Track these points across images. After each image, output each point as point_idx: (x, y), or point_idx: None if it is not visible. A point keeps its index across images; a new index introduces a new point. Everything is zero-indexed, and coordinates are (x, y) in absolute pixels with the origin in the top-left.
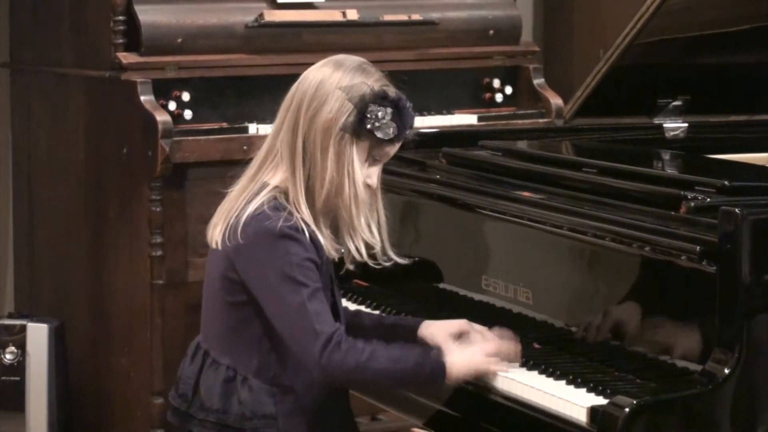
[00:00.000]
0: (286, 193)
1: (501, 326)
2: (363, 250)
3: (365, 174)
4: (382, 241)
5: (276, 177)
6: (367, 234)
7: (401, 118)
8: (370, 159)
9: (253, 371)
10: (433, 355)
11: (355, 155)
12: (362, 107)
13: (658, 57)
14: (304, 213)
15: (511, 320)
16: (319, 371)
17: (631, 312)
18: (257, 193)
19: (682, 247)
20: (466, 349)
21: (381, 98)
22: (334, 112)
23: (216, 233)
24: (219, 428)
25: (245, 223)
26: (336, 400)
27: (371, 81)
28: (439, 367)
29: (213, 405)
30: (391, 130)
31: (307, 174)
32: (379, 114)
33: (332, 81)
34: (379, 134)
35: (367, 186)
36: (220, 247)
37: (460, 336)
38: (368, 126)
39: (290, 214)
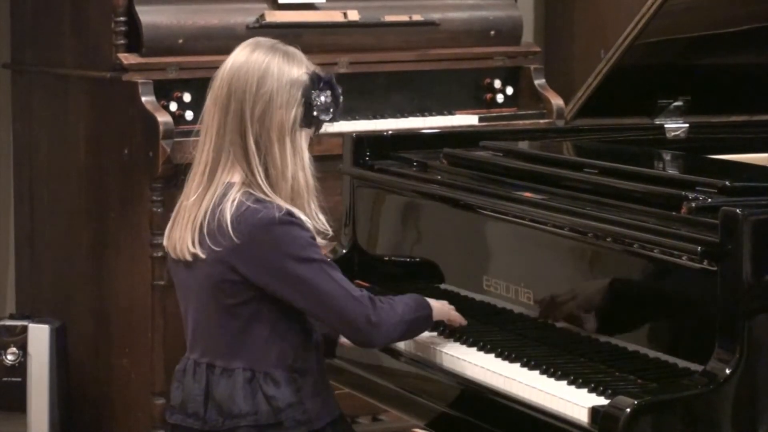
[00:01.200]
0: (253, 188)
1: (502, 327)
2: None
3: (309, 158)
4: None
5: (236, 176)
6: (320, 221)
7: (336, 96)
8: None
9: (273, 363)
10: (420, 298)
11: (304, 143)
12: (308, 96)
13: (659, 57)
14: (280, 203)
15: (512, 320)
16: (373, 333)
17: (632, 312)
18: (225, 194)
19: (683, 247)
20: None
21: (318, 82)
22: (284, 107)
23: (187, 245)
24: (255, 430)
25: (234, 221)
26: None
27: (304, 67)
28: (429, 309)
29: (242, 410)
30: (332, 109)
31: (264, 169)
32: (322, 98)
33: (271, 75)
34: (324, 117)
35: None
36: (202, 255)
37: None
38: (315, 113)
39: (276, 204)
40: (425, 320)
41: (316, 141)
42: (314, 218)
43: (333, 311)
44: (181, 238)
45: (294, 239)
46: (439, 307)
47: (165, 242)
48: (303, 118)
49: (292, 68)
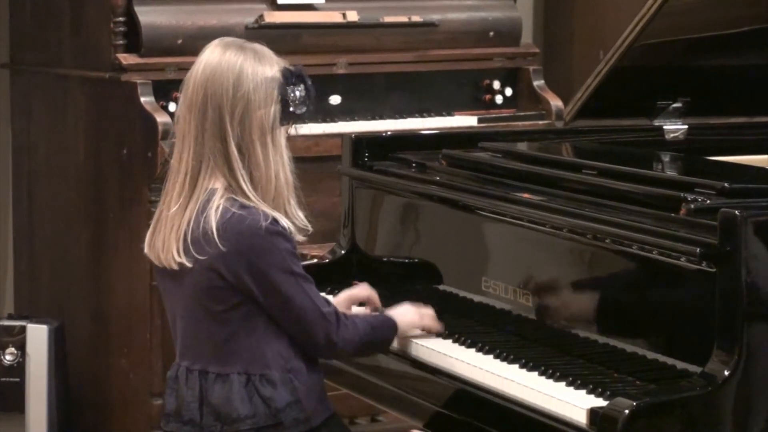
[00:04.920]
0: (237, 194)
1: (501, 328)
2: (299, 234)
3: (288, 155)
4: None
5: (218, 182)
6: (299, 218)
7: (308, 87)
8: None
9: (268, 365)
10: (386, 318)
11: (283, 140)
12: (284, 93)
13: (658, 59)
14: (264, 207)
15: (511, 322)
16: (333, 350)
17: (631, 314)
18: (208, 201)
19: (682, 248)
20: (402, 308)
21: (291, 77)
22: (263, 106)
23: (173, 255)
24: None
25: (220, 229)
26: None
27: (275, 64)
28: (394, 325)
29: (240, 414)
30: (307, 102)
31: (248, 172)
32: (297, 93)
33: (246, 77)
34: (300, 111)
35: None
36: (188, 264)
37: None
38: (291, 108)
39: (262, 211)
40: (386, 341)
41: (314, 143)
42: (294, 216)
43: (298, 323)
44: (166, 248)
45: (278, 250)
46: (409, 320)
47: (146, 250)
48: (281, 116)
49: (265, 67)
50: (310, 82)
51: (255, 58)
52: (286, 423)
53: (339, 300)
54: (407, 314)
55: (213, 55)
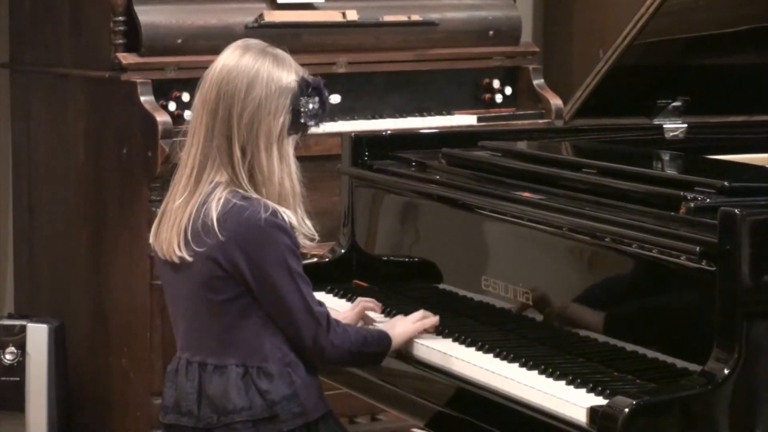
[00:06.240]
0: (239, 188)
1: (501, 327)
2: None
3: (296, 164)
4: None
5: (223, 176)
6: (306, 227)
7: (324, 101)
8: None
9: (266, 358)
10: (381, 333)
11: (291, 149)
12: (296, 103)
13: (657, 57)
14: (267, 201)
15: (511, 320)
16: (321, 355)
17: (631, 312)
18: (211, 193)
19: (682, 247)
20: (397, 322)
21: (306, 88)
22: (273, 114)
23: (173, 248)
24: (251, 425)
25: (220, 219)
26: None
27: (293, 72)
28: (388, 339)
29: (236, 405)
30: (319, 115)
31: (249, 174)
32: (311, 105)
33: (260, 81)
34: (311, 123)
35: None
36: (189, 258)
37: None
38: (302, 120)
39: (263, 202)
40: (379, 355)
41: (314, 142)
42: (301, 224)
43: (289, 321)
44: (168, 240)
45: (277, 244)
46: (403, 333)
47: (151, 240)
48: (291, 125)
49: (282, 74)
50: (326, 95)
51: (273, 64)
52: (282, 416)
53: (351, 314)
54: (402, 327)
55: (232, 57)
